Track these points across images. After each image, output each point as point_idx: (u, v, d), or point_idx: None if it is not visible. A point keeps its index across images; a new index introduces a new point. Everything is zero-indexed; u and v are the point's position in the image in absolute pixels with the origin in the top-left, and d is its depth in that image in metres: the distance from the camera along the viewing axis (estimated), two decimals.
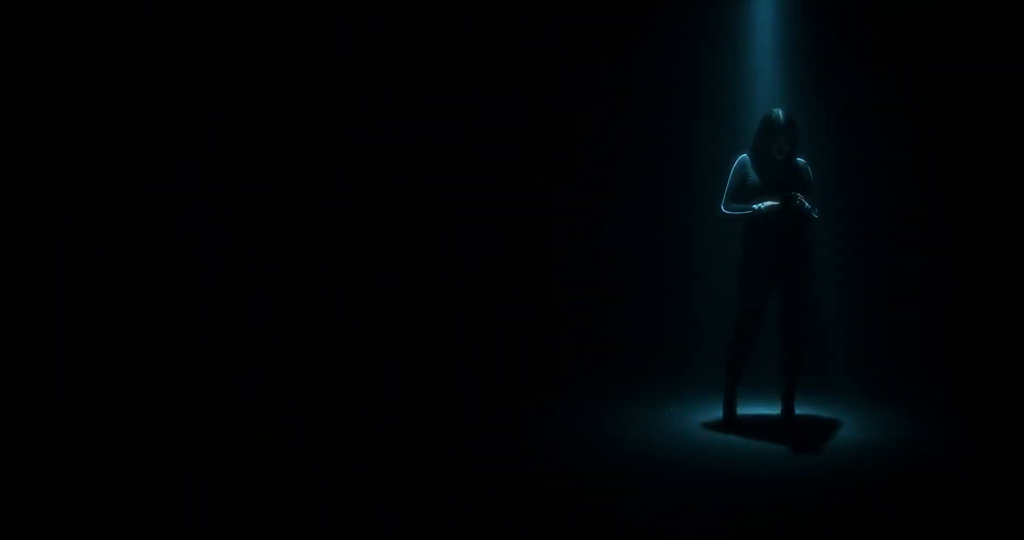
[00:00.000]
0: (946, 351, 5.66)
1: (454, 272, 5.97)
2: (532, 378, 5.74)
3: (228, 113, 5.50)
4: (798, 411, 4.87)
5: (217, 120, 5.47)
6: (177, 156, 5.43)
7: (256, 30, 5.54)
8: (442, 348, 5.78)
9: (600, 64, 5.98)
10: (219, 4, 5.43)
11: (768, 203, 4.56)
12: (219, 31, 5.45)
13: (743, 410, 4.90)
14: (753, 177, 4.66)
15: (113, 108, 5.34)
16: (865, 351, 5.85)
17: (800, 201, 4.52)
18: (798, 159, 4.72)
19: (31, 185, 5.18)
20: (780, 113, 4.64)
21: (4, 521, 3.39)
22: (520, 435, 4.67)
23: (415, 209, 5.90)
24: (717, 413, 4.91)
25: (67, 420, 4.61)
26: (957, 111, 5.66)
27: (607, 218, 6.13)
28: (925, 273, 5.86)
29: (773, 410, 4.93)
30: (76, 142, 5.28)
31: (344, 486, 3.80)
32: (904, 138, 5.83)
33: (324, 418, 4.80)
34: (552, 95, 5.96)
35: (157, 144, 5.41)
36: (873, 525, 3.39)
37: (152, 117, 5.38)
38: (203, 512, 3.51)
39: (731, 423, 4.80)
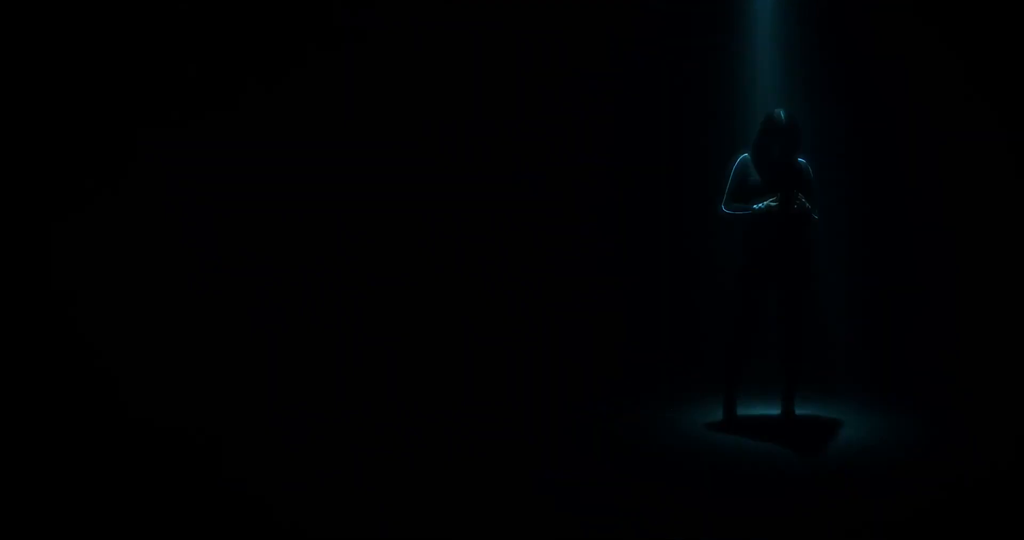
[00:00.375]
0: (947, 351, 5.66)
1: (454, 272, 5.96)
2: (532, 379, 5.73)
3: (228, 113, 5.50)
4: (798, 411, 4.87)
5: (217, 120, 5.47)
6: (177, 156, 5.44)
7: (256, 30, 5.53)
8: (443, 348, 5.77)
9: (599, 65, 5.98)
10: (219, 4, 5.43)
11: (768, 202, 4.56)
12: (219, 31, 5.45)
13: (743, 410, 4.90)
14: (754, 177, 4.66)
15: (113, 108, 5.34)
16: (865, 351, 5.85)
17: (800, 200, 4.52)
18: (799, 160, 4.72)
19: (30, 185, 5.18)
20: (781, 113, 4.64)
21: (4, 521, 3.39)
22: (520, 435, 4.67)
23: (415, 208, 5.89)
24: (717, 413, 4.91)
25: (66, 420, 4.60)
26: (958, 111, 5.66)
27: (609, 218, 6.13)
28: (926, 273, 5.86)
29: (773, 410, 4.93)
30: (76, 142, 5.28)
31: (344, 486, 3.80)
32: (905, 138, 5.83)
33: (325, 418, 4.80)
34: (552, 95, 5.96)
35: (157, 144, 5.42)
36: (873, 525, 3.39)
37: (152, 117, 5.38)
38: (203, 512, 3.51)
39: (731, 422, 4.80)
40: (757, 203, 4.60)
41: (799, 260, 4.68)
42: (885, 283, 5.93)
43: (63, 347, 5.07)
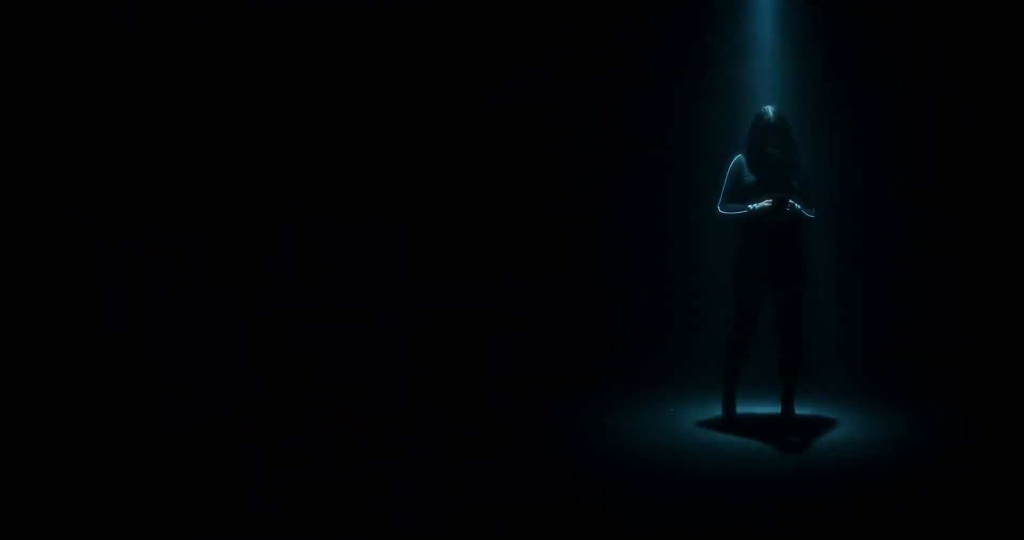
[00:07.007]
0: (949, 351, 5.63)
1: (454, 273, 5.95)
2: (533, 378, 5.72)
3: (224, 113, 5.52)
4: (798, 411, 4.86)
5: (213, 121, 5.49)
6: (175, 155, 5.45)
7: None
8: (441, 348, 5.77)
9: (599, 68, 5.97)
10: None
11: (762, 203, 4.55)
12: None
13: (743, 409, 4.90)
14: (749, 177, 4.65)
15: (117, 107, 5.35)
16: (865, 351, 5.83)
17: (791, 204, 4.50)
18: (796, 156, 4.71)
19: (29, 180, 5.18)
20: (771, 111, 4.64)
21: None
22: (520, 435, 4.67)
23: (412, 205, 5.89)
24: (717, 412, 4.90)
25: (64, 423, 4.60)
26: (959, 106, 5.63)
27: (608, 217, 6.13)
28: (927, 272, 5.84)
29: (773, 409, 4.92)
30: (76, 139, 5.28)
31: (339, 485, 3.80)
32: (907, 136, 5.80)
33: (321, 418, 4.80)
34: (553, 96, 5.96)
35: (156, 143, 5.43)
36: (872, 526, 3.38)
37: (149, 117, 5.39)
38: (203, 514, 3.51)
39: (731, 421, 4.79)
40: (752, 203, 4.59)
41: (794, 260, 4.67)
42: (886, 281, 5.91)
43: (59, 346, 5.08)
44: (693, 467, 4.09)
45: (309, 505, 3.56)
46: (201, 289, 5.47)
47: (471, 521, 3.42)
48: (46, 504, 3.56)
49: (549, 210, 6.09)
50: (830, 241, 5.60)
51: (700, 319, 5.74)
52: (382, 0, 5.66)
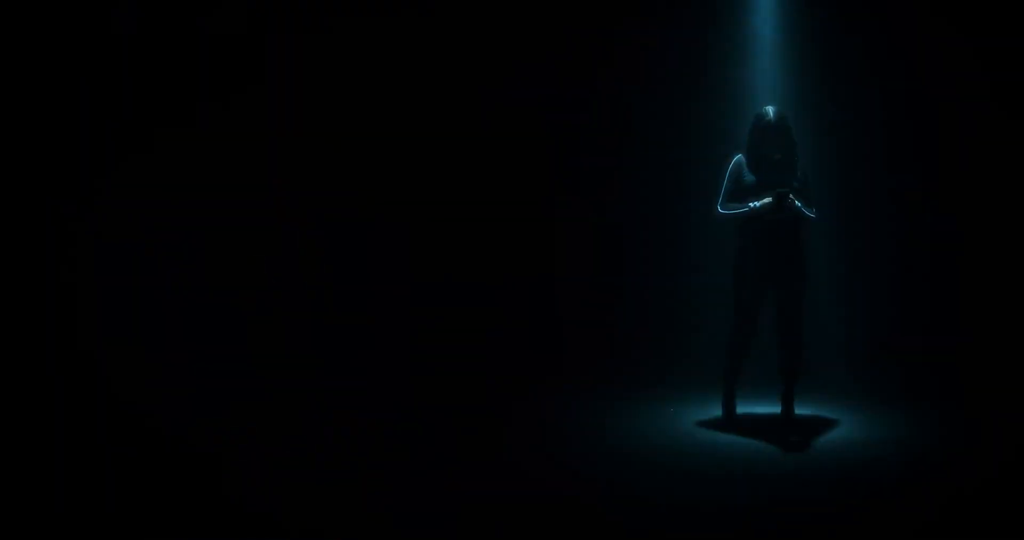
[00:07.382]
0: (949, 351, 5.64)
1: (454, 273, 5.95)
2: (531, 377, 5.73)
3: (224, 113, 5.51)
4: (798, 411, 4.86)
5: (213, 121, 5.49)
6: (175, 155, 5.45)
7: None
8: (441, 348, 5.76)
9: (599, 68, 5.98)
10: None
11: (764, 200, 4.55)
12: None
13: (743, 409, 4.90)
14: (749, 177, 4.66)
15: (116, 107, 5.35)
16: (865, 351, 5.84)
17: (792, 199, 4.52)
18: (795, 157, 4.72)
19: (29, 180, 5.18)
20: (771, 111, 4.64)
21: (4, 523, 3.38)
22: (520, 435, 4.67)
23: (412, 205, 5.89)
24: (717, 412, 4.90)
25: (64, 423, 4.60)
26: (960, 108, 5.64)
27: (608, 217, 6.13)
28: (927, 273, 5.85)
29: (773, 409, 4.92)
30: (76, 139, 5.28)
31: (339, 485, 3.79)
32: (906, 137, 5.81)
33: (321, 418, 4.80)
34: (553, 96, 5.96)
35: (156, 143, 5.43)
36: (872, 526, 3.38)
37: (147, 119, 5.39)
38: (203, 514, 3.50)
39: (731, 421, 4.79)
40: (752, 202, 4.60)
41: (794, 259, 4.68)
42: (885, 282, 5.91)
43: (57, 345, 5.07)
44: (693, 467, 4.10)
45: (309, 505, 3.56)
46: (201, 289, 5.48)
47: (471, 521, 3.41)
48: (46, 504, 3.56)
49: (549, 210, 6.11)
50: (830, 241, 5.61)
51: (700, 319, 5.75)
52: (382, 0, 5.67)
